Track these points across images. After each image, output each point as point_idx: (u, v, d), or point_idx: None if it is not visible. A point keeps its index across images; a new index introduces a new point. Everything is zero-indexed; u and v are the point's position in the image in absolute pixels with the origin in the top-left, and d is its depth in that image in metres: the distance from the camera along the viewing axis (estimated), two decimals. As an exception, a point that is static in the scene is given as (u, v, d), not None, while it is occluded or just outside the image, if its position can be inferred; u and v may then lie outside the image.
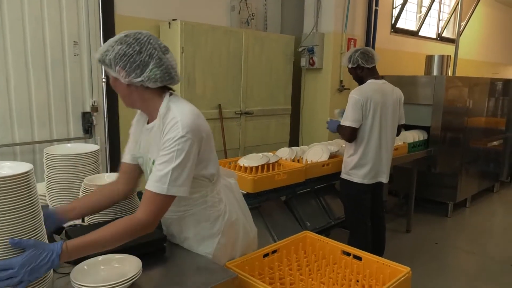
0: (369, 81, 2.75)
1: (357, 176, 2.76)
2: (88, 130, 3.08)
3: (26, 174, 1.06)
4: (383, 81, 2.81)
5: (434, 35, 7.02)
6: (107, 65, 1.27)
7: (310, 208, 3.06)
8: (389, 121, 2.79)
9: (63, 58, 2.93)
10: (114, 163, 3.20)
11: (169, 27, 3.34)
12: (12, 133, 2.74)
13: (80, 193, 1.68)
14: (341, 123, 2.71)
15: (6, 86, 2.68)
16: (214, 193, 1.43)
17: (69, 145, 1.88)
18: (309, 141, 4.30)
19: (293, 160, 3.03)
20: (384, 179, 2.84)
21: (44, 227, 1.16)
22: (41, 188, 1.71)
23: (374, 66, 2.80)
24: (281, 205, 2.94)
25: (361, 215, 2.83)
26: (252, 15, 4.05)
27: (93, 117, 3.08)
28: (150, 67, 1.25)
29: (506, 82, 5.29)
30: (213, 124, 3.59)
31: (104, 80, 3.15)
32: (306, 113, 4.35)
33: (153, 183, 1.23)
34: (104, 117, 3.18)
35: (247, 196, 2.38)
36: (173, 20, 3.32)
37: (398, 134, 2.99)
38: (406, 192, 4.35)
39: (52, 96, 2.90)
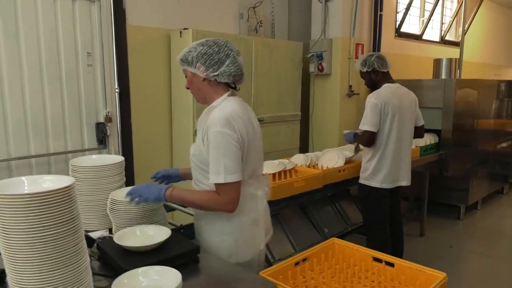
0: (385, 85, 2.76)
1: (376, 181, 2.75)
2: (102, 140, 3.08)
3: (68, 188, 1.05)
4: (397, 85, 2.82)
5: (437, 39, 7.06)
6: (189, 62, 1.54)
7: (327, 214, 3.05)
8: (407, 124, 2.79)
9: (76, 69, 2.93)
10: (127, 174, 3.19)
11: (181, 36, 3.35)
12: (28, 145, 2.73)
13: (108, 207, 1.66)
14: (359, 128, 2.71)
15: (22, 98, 2.68)
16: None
17: (94, 156, 1.87)
18: (319, 147, 4.29)
19: (308, 166, 3.02)
20: (405, 182, 2.83)
21: (84, 241, 1.15)
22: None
23: (388, 71, 2.81)
24: (298, 211, 2.93)
25: (381, 220, 2.82)
26: (260, 23, 4.07)
27: (107, 128, 3.07)
28: (227, 63, 1.51)
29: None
30: (225, 132, 3.58)
31: (117, 90, 3.15)
32: (316, 119, 4.35)
33: (213, 176, 1.44)
34: (118, 128, 3.18)
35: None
36: (185, 29, 3.33)
37: (421, 136, 3.01)
38: (416, 196, 4.34)
39: (67, 107, 2.89)
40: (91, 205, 1.72)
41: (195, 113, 3.33)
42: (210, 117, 1.47)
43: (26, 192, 1.04)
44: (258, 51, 3.74)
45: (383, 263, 1.61)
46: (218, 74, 1.51)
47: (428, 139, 3.94)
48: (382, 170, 2.75)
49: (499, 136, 5.05)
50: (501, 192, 5.55)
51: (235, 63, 1.53)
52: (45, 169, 2.83)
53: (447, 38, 7.24)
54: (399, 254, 3.04)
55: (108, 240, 1.58)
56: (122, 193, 1.71)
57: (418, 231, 4.10)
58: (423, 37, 6.57)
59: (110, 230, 1.74)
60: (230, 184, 1.43)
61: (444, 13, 7.23)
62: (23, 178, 1.11)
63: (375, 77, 2.78)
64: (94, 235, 1.70)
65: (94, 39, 3.00)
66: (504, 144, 5.17)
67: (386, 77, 2.80)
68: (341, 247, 1.76)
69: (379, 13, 4.74)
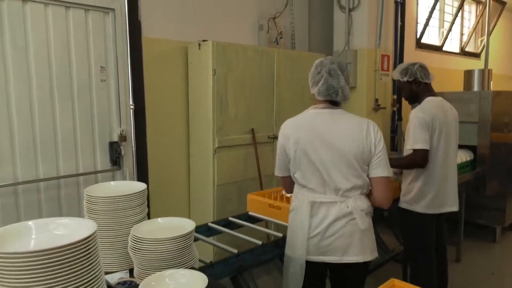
0: (428, 98, 2.50)
1: (421, 206, 2.46)
2: (116, 161, 2.84)
3: (88, 241, 0.80)
4: (440, 98, 2.56)
5: (457, 50, 6.82)
6: None
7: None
8: (453, 142, 2.52)
9: (89, 84, 2.71)
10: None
11: (199, 48, 3.13)
12: (36, 167, 2.50)
13: (129, 245, 1.40)
14: (408, 147, 2.41)
15: (30, 115, 2.46)
16: (293, 194, 1.88)
17: (112, 183, 1.62)
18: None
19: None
20: (454, 207, 2.54)
21: None
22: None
23: (430, 83, 2.56)
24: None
25: (426, 249, 2.52)
26: (281, 34, 3.85)
27: (121, 147, 2.84)
28: (321, 83, 1.76)
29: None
30: (246, 150, 3.33)
31: (132, 106, 2.92)
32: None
33: None
34: (133, 147, 2.94)
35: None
36: (203, 41, 3.11)
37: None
38: (450, 217, 4.02)
39: (78, 125, 2.67)
40: (109, 242, 1.47)
41: (215, 130, 3.09)
42: None
43: (32, 247, 0.79)
44: (281, 63, 3.51)
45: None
46: (314, 93, 1.79)
47: (464, 156, 3.65)
48: (428, 194, 2.46)
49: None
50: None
51: (325, 83, 1.74)
52: (55, 193, 2.59)
53: (467, 49, 6.99)
54: (444, 284, 2.74)
55: (127, 284, 1.32)
56: (145, 228, 1.45)
57: (454, 256, 3.77)
58: (443, 49, 6.35)
59: (131, 271, 1.48)
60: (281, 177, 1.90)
61: (463, 24, 7.01)
62: (30, 223, 0.86)
63: (416, 88, 2.52)
64: (112, 277, 1.44)
65: (108, 52, 2.79)
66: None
67: (428, 89, 2.54)
68: (402, 291, 1.49)
69: (399, 23, 4.52)
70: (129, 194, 1.46)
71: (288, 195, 2.31)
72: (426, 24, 5.74)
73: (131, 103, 2.93)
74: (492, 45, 7.40)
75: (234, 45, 3.19)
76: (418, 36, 5.63)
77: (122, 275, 1.45)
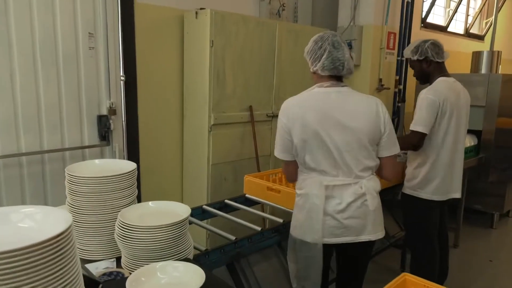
0: (440, 79, 2.34)
1: (426, 192, 2.34)
2: (104, 136, 2.66)
3: (59, 238, 0.63)
4: (453, 79, 2.40)
5: (461, 31, 6.61)
6: (306, 57, 1.76)
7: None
8: (462, 126, 2.39)
9: (76, 52, 2.50)
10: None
11: (196, 17, 2.91)
12: (18, 141, 2.31)
13: (116, 232, 1.25)
14: (410, 128, 2.28)
15: (11, 86, 2.25)
16: (300, 179, 1.75)
17: (97, 161, 1.45)
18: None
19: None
20: (458, 194, 2.43)
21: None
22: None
23: (443, 62, 2.39)
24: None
25: (428, 237, 2.42)
26: (283, 6, 3.63)
27: (111, 121, 2.65)
28: (323, 58, 1.65)
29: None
30: (243, 128, 3.17)
31: (122, 78, 2.72)
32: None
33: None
34: (123, 121, 2.75)
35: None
36: (201, 9, 2.89)
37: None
38: (450, 203, 3.94)
39: (64, 97, 2.47)
40: (93, 228, 1.31)
41: (211, 106, 2.91)
42: None
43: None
44: (282, 37, 3.30)
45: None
46: (317, 68, 1.68)
47: (468, 141, 3.53)
48: (434, 179, 2.33)
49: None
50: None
51: (329, 57, 1.64)
52: (39, 169, 2.42)
53: (471, 31, 6.79)
54: (444, 272, 2.65)
55: (118, 283, 1.18)
56: (134, 213, 1.30)
57: (452, 241, 3.69)
58: (448, 29, 6.14)
59: (118, 260, 1.33)
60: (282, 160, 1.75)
61: (469, 5, 6.78)
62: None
63: (427, 67, 2.36)
64: (97, 267, 1.29)
65: (97, 17, 2.56)
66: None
67: (441, 69, 2.38)
68: (415, 285, 1.37)
69: (406, 0, 4.29)
70: (117, 175, 1.30)
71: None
72: (433, 3, 5.53)
73: (121, 74, 2.72)
74: (499, 28, 7.22)
75: (234, 15, 2.97)
76: (423, 15, 5.43)
77: (108, 265, 1.31)
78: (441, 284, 2.27)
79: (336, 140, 1.60)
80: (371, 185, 1.66)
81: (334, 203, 1.62)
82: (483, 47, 6.52)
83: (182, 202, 3.25)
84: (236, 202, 2.25)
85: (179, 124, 3.18)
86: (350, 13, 3.76)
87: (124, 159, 2.76)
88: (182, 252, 1.27)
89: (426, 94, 2.25)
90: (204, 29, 2.85)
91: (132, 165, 1.39)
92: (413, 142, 2.28)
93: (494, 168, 3.73)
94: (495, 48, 5.34)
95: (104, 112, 2.65)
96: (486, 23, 7.11)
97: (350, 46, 3.69)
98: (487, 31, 7.10)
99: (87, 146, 2.60)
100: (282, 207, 2.11)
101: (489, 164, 3.66)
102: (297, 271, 1.73)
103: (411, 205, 2.44)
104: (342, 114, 1.62)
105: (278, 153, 1.72)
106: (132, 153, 2.85)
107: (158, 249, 1.21)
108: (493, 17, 5.04)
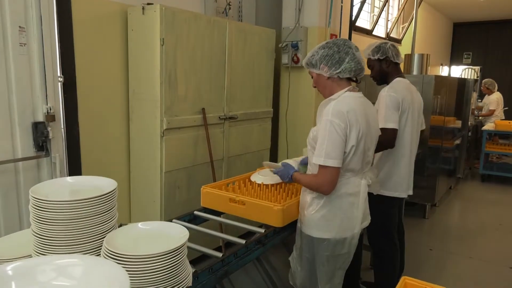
0: (398, 79, 2.44)
1: (386, 189, 2.41)
2: (42, 146, 2.30)
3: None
4: (408, 80, 2.51)
5: (383, 35, 7.09)
6: (313, 65, 1.75)
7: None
8: (415, 126, 2.50)
9: (4, 49, 2.12)
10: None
11: (143, 13, 2.67)
12: None
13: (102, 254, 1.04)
14: (381, 126, 2.30)
15: None
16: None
17: (69, 179, 1.20)
18: (294, 148, 3.89)
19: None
20: (411, 190, 2.54)
21: None
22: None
23: (399, 64, 2.49)
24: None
25: (390, 235, 2.50)
26: (229, 4, 3.51)
27: (49, 129, 2.30)
28: (347, 60, 1.70)
29: (461, 80, 5.41)
30: (196, 132, 2.99)
31: (60, 79, 2.39)
32: (290, 117, 3.92)
33: (316, 158, 1.67)
34: (63, 128, 2.42)
35: (273, 232, 1.89)
36: (148, 4, 2.65)
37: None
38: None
39: (-10, 102, 2.08)
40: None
41: (163, 109, 2.69)
42: (327, 107, 1.68)
43: None
44: (233, 36, 3.18)
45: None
46: (340, 71, 1.70)
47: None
48: (395, 176, 2.42)
49: (454, 133, 5.13)
50: (450, 187, 5.69)
51: (354, 59, 1.71)
52: (-41, 189, 2.01)
53: (391, 35, 7.32)
54: (402, 267, 2.77)
55: None
56: (121, 239, 1.10)
57: (394, 234, 3.91)
58: (373, 33, 6.54)
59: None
60: (327, 167, 1.64)
61: (388, 11, 7.30)
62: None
63: (387, 67, 2.44)
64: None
65: (28, 9, 2.21)
66: (457, 141, 5.28)
67: (397, 70, 2.48)
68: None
69: (340, 4, 4.45)
70: (98, 197, 1.08)
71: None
72: (361, 7, 5.83)
73: (59, 74, 2.39)
74: (410, 33, 7.88)
75: (185, 12, 2.78)
76: (353, 18, 5.69)
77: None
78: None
79: (367, 142, 1.75)
80: (371, 176, 1.88)
81: (362, 199, 1.81)
82: (402, 50, 7.07)
83: (130, 216, 2.99)
84: (204, 212, 2.09)
85: (125, 129, 2.90)
86: (295, 14, 3.77)
87: (66, 171, 2.43)
88: (183, 281, 1.10)
89: (388, 92, 2.32)
90: (153, 26, 2.62)
91: (112, 184, 1.17)
92: (390, 139, 2.31)
93: (428, 162, 4.02)
94: (407, 51, 5.80)
95: (41, 118, 2.30)
96: (403, 28, 7.72)
97: (296, 47, 3.71)
98: (404, 35, 7.72)
99: (21, 159, 2.22)
100: (241, 225, 1.97)
101: (425, 160, 3.93)
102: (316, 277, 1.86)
103: (373, 203, 2.48)
104: (370, 118, 1.77)
105: (334, 161, 1.63)
106: (73, 165, 2.52)
107: (157, 280, 1.03)
108: (413, 21, 5.47)
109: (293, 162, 2.17)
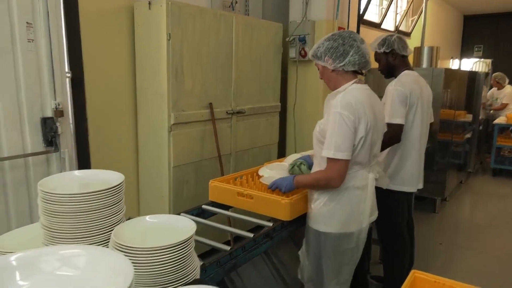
0: (405, 72, 2.40)
1: (395, 183, 2.39)
2: (51, 141, 2.32)
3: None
4: (417, 73, 2.47)
5: (392, 28, 7.01)
6: (318, 57, 1.72)
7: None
8: (425, 119, 2.47)
9: (12, 46, 2.14)
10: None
11: (149, 8, 2.67)
12: None
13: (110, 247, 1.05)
14: (387, 121, 2.27)
15: None
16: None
17: (77, 172, 1.21)
18: (302, 143, 3.87)
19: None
20: (422, 184, 2.51)
21: None
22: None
23: (407, 57, 2.45)
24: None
25: (400, 230, 2.47)
26: (236, -2, 3.49)
27: (58, 124, 2.32)
28: (351, 53, 1.67)
29: (472, 74, 5.33)
30: (204, 127, 2.99)
31: (68, 75, 2.40)
32: (298, 111, 3.90)
33: (325, 150, 1.64)
34: (71, 124, 2.43)
35: (281, 226, 1.88)
36: (155, -1, 2.65)
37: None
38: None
39: (0, 98, 2.10)
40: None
41: (170, 104, 2.69)
42: (334, 100, 1.66)
43: None
44: (239, 30, 3.17)
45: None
46: (344, 64, 1.68)
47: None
48: (403, 170, 2.40)
49: (465, 127, 5.06)
50: (461, 182, 5.63)
51: (359, 52, 1.67)
52: (-30, 184, 2.03)
53: (400, 28, 7.23)
54: (411, 262, 2.74)
55: None
56: (128, 232, 1.11)
57: (403, 228, 3.88)
58: (381, 26, 6.47)
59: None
60: (337, 160, 1.62)
61: (397, 4, 7.21)
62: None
63: (393, 60, 2.41)
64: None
65: (35, 5, 2.22)
66: (468, 135, 5.21)
67: (405, 63, 2.44)
68: (426, 282, 1.35)
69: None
70: (106, 189, 1.09)
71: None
72: (369, 1, 5.76)
73: (67, 70, 2.40)
74: (419, 26, 7.78)
75: (191, 6, 2.77)
76: (361, 12, 5.63)
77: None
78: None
79: (374, 135, 1.73)
80: (378, 169, 1.88)
81: (370, 193, 1.80)
82: (411, 43, 6.98)
83: (139, 211, 3.01)
84: (212, 206, 2.09)
85: (133, 124, 2.91)
86: (302, 8, 3.74)
87: (74, 166, 2.44)
88: (191, 273, 1.10)
89: (396, 86, 2.29)
90: (160, 21, 2.62)
91: (119, 177, 1.18)
92: (395, 135, 2.28)
93: (438, 157, 3.98)
94: (416, 44, 5.71)
95: (49, 114, 2.32)
96: (412, 21, 7.62)
97: (303, 40, 3.68)
98: (413, 28, 7.62)
99: (30, 154, 2.25)
100: (249, 219, 1.96)
101: (434, 154, 3.89)
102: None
103: (381, 198, 2.46)
104: (377, 111, 1.75)
105: (344, 154, 1.62)
106: (83, 160, 2.54)
107: (165, 273, 1.04)
108: (423, 14, 5.40)
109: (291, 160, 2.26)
